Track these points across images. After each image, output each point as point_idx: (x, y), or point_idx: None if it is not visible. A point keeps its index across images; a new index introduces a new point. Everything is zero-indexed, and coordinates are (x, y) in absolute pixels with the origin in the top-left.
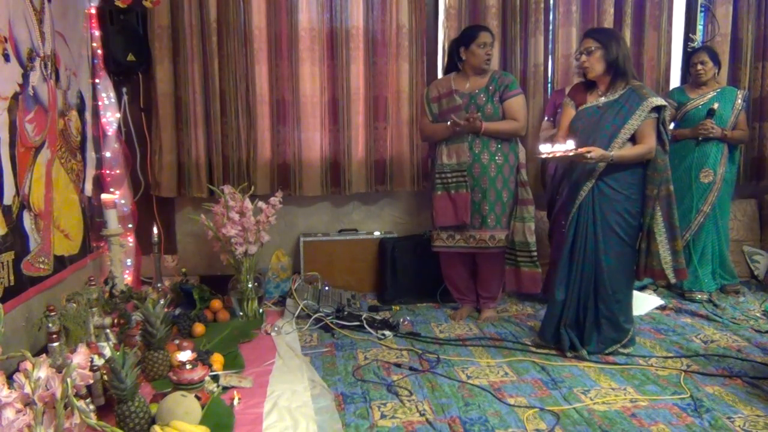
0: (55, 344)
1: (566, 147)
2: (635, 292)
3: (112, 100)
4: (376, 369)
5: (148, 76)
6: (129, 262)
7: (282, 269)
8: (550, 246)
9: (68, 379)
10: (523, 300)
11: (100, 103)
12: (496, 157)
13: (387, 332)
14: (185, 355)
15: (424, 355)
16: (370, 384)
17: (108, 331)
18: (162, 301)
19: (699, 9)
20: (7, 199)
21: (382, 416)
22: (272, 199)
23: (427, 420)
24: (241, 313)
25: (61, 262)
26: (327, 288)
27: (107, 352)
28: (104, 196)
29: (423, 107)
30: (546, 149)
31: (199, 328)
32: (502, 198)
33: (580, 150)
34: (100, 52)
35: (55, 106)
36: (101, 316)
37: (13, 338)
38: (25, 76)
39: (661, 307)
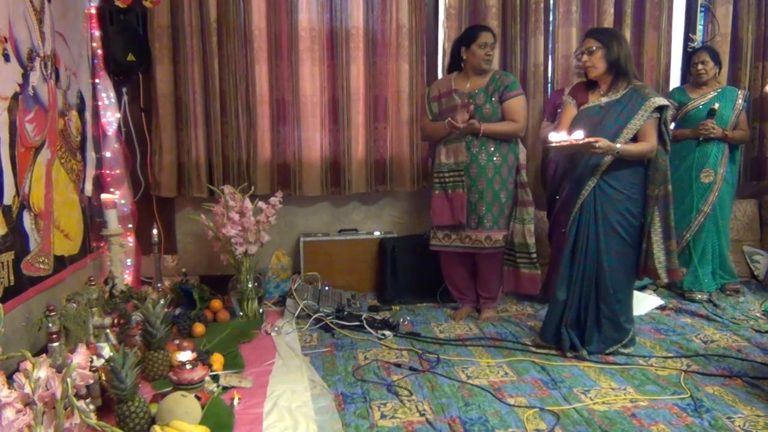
0: (55, 344)
1: (575, 136)
2: (635, 292)
3: (112, 100)
4: (376, 369)
5: (148, 76)
6: (129, 262)
7: (282, 269)
8: (550, 246)
9: (68, 379)
10: (523, 300)
11: (100, 103)
12: (494, 158)
13: (387, 332)
14: (185, 355)
15: (424, 355)
16: (370, 384)
17: (108, 331)
18: (162, 301)
19: (699, 9)
20: (7, 199)
21: (382, 416)
22: (272, 199)
23: (427, 420)
24: (241, 313)
25: (61, 262)
26: (327, 288)
27: (106, 352)
28: (104, 196)
29: (424, 106)
30: (555, 137)
31: (199, 328)
32: (500, 199)
33: (589, 139)
34: (100, 52)
35: (55, 106)
36: (101, 316)
37: (13, 338)
38: (25, 76)
39: (661, 307)
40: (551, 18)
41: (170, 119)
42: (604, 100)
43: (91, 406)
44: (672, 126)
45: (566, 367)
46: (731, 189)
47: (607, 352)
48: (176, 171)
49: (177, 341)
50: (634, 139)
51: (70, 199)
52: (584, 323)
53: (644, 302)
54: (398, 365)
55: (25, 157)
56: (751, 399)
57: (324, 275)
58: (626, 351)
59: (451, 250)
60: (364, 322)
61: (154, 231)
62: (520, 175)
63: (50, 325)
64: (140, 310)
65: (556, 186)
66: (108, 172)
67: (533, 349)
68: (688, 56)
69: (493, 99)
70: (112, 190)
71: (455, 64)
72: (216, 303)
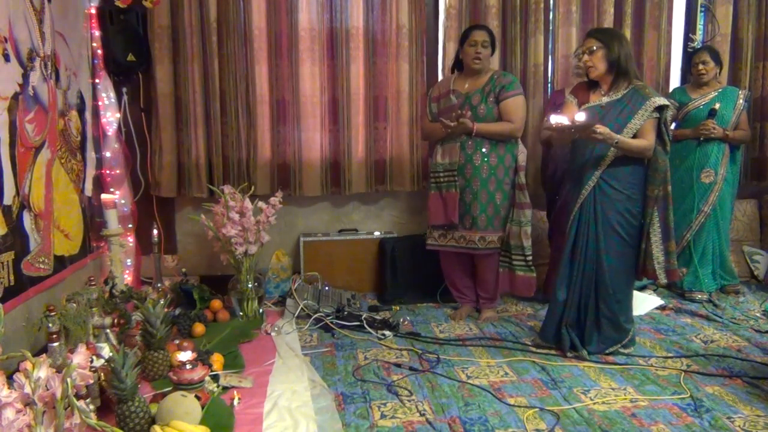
0: (55, 344)
1: (578, 118)
2: (635, 292)
3: (112, 100)
4: (376, 369)
5: (148, 76)
6: (129, 262)
7: (282, 269)
8: (550, 246)
9: (68, 379)
10: (523, 300)
11: (100, 103)
12: (489, 158)
13: (387, 332)
14: (185, 355)
15: (424, 355)
16: (370, 384)
17: (108, 331)
18: (162, 301)
19: (699, 9)
20: (7, 199)
21: (382, 416)
22: (272, 199)
23: (427, 420)
24: (241, 313)
25: (61, 262)
26: (327, 288)
27: (105, 352)
28: (104, 196)
29: (425, 107)
30: (555, 119)
31: (199, 328)
32: (495, 200)
33: (591, 121)
34: (100, 52)
35: (55, 106)
36: (101, 316)
37: (13, 338)
38: (25, 76)
39: (661, 307)
40: (551, 18)
41: (170, 119)
42: (605, 99)
43: (91, 406)
44: (672, 126)
45: (566, 367)
46: (732, 189)
47: (607, 352)
48: (176, 171)
49: (177, 341)
50: (634, 138)
51: (70, 199)
52: (584, 323)
53: (644, 302)
54: (398, 365)
55: (25, 157)
56: (751, 399)
57: (324, 275)
58: (626, 351)
59: (446, 249)
60: (364, 322)
61: (154, 231)
62: (518, 176)
63: (50, 325)
64: (140, 310)
65: (555, 186)
66: (108, 172)
67: (533, 349)
68: (689, 56)
69: (489, 99)
70: (112, 190)
71: (458, 64)
72: (216, 303)
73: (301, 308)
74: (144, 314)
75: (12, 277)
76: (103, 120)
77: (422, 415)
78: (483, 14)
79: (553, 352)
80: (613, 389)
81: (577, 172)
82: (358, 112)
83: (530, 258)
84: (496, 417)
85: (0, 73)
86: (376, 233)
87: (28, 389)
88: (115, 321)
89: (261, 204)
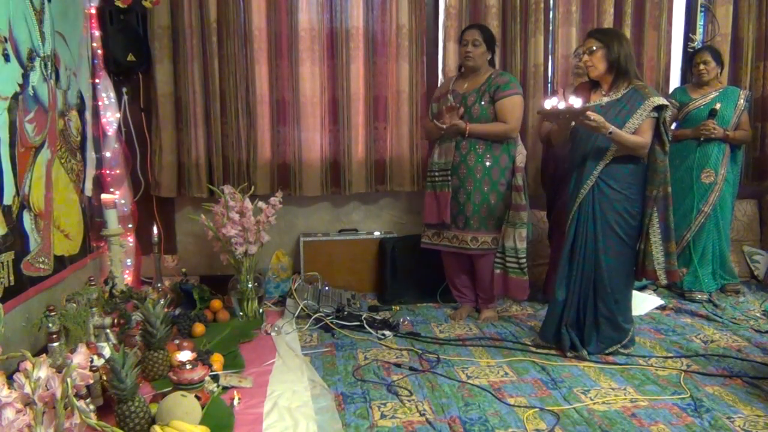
0: (55, 344)
1: (573, 103)
2: (635, 292)
3: (112, 100)
4: (376, 369)
5: (148, 76)
6: (129, 262)
7: (282, 269)
8: (550, 246)
9: (68, 379)
10: (523, 300)
11: (100, 103)
12: (484, 159)
13: (387, 332)
14: (185, 355)
15: (424, 355)
16: (370, 384)
17: (108, 331)
18: (162, 301)
19: (699, 9)
20: (7, 199)
21: (382, 416)
22: (272, 199)
23: (427, 420)
24: (241, 313)
25: (61, 262)
26: (327, 288)
27: (107, 352)
28: (104, 196)
29: (428, 106)
30: (549, 103)
31: (199, 328)
32: (489, 201)
33: (585, 107)
34: (100, 52)
35: (55, 106)
36: (101, 316)
37: (13, 338)
38: (25, 76)
39: (661, 307)
40: (551, 18)
41: (170, 119)
42: (605, 99)
43: (92, 406)
44: (673, 126)
45: (566, 367)
46: (732, 189)
47: (607, 352)
48: (176, 171)
49: (177, 341)
50: None
51: (70, 199)
52: (583, 323)
53: (644, 302)
54: (398, 365)
55: (25, 157)
56: (751, 399)
57: (324, 275)
58: (626, 351)
59: (439, 248)
60: (364, 322)
61: (154, 231)
62: (515, 177)
63: (50, 325)
64: (140, 310)
65: (556, 186)
66: (108, 172)
67: (533, 349)
68: (690, 56)
69: (483, 100)
70: (112, 190)
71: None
72: (216, 303)
73: (301, 308)
74: (144, 314)
75: (12, 277)
76: (103, 120)
77: (422, 415)
78: (483, 14)
79: (553, 352)
80: (613, 389)
81: (578, 168)
82: (358, 112)
83: (523, 261)
84: (496, 417)
85: (0, 73)
86: (376, 233)
87: (28, 389)
88: (115, 321)
89: (261, 204)
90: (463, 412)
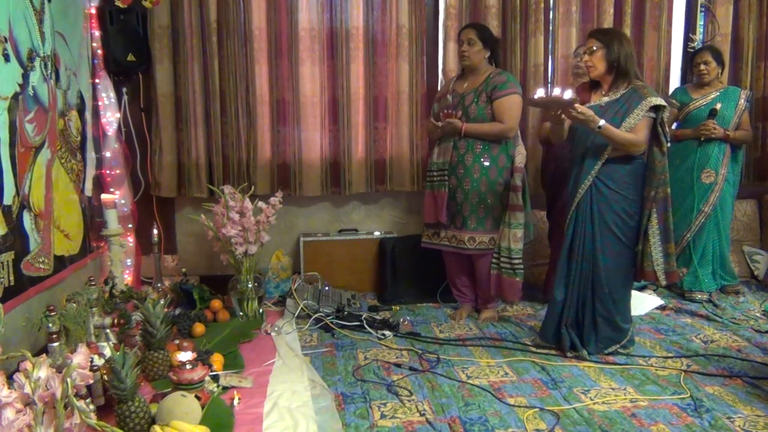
0: (55, 344)
1: (565, 95)
2: (635, 293)
3: (112, 100)
4: (376, 369)
5: (148, 76)
6: (129, 262)
7: (282, 269)
8: (549, 246)
9: (68, 379)
10: (523, 300)
11: (100, 103)
12: (482, 159)
13: (387, 332)
14: (185, 355)
15: (424, 355)
16: (370, 384)
17: (108, 331)
18: (162, 301)
19: (699, 9)
20: (7, 199)
21: (382, 416)
22: (272, 199)
23: (427, 420)
24: (241, 313)
25: (61, 262)
26: (327, 288)
27: (107, 352)
28: (104, 196)
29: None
30: (539, 93)
31: (199, 328)
32: (486, 201)
33: (573, 99)
34: (100, 52)
35: (55, 106)
36: (101, 316)
37: (13, 338)
38: (25, 76)
39: (661, 307)
40: (551, 18)
41: (170, 119)
42: (605, 99)
43: (92, 406)
44: (673, 126)
45: (566, 367)
46: (733, 189)
47: (606, 352)
48: (176, 171)
49: (177, 341)
50: None
51: (70, 199)
52: (583, 323)
53: (644, 302)
54: (398, 365)
55: (25, 157)
56: (751, 399)
57: (324, 275)
58: (625, 351)
59: (438, 248)
60: (364, 322)
61: (154, 231)
62: (513, 177)
63: (50, 325)
64: (140, 310)
65: (556, 186)
66: (108, 172)
67: (533, 349)
68: (691, 56)
69: (480, 99)
70: (112, 190)
71: None
72: (216, 303)
73: (301, 308)
74: (144, 314)
75: (12, 277)
76: (103, 120)
77: (422, 415)
78: (483, 14)
79: (553, 352)
80: (613, 389)
81: (576, 167)
82: (358, 112)
83: (517, 262)
84: (496, 417)
85: (0, 73)
86: (376, 233)
87: (28, 389)
88: (115, 321)
89: (261, 204)
90: (463, 412)
